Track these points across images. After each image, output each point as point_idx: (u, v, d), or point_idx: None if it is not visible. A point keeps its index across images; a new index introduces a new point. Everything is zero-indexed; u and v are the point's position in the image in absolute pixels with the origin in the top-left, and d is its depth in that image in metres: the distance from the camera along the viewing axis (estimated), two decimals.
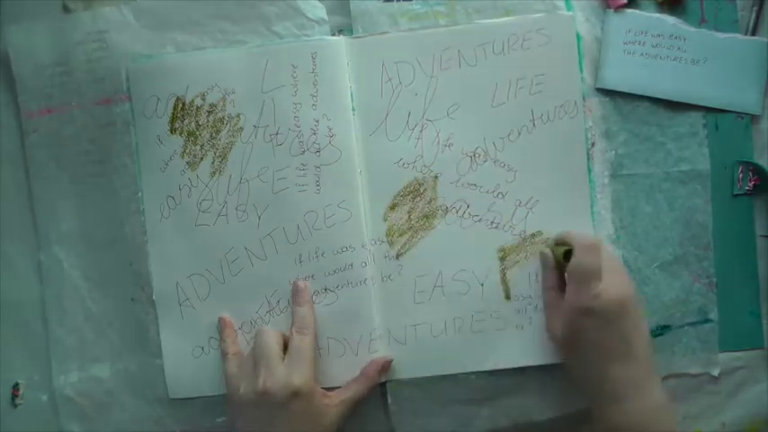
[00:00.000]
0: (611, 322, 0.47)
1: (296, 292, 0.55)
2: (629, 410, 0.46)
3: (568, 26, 0.55)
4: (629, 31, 0.56)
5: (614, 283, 0.47)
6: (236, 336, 0.56)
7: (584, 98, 0.55)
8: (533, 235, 0.55)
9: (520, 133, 0.55)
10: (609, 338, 0.47)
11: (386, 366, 0.55)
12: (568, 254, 0.50)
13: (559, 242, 0.53)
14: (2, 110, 0.60)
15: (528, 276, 0.55)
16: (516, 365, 0.55)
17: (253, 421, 0.50)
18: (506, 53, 0.55)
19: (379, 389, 0.56)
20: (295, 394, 0.49)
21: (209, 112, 0.56)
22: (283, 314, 0.56)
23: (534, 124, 0.55)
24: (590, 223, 0.55)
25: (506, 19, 0.55)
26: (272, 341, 0.51)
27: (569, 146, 0.55)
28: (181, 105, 0.56)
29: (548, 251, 0.53)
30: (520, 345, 0.55)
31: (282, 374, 0.49)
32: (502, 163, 0.55)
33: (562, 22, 0.55)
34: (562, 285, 0.51)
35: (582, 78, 0.55)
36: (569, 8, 0.55)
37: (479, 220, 0.55)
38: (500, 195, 0.55)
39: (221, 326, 0.56)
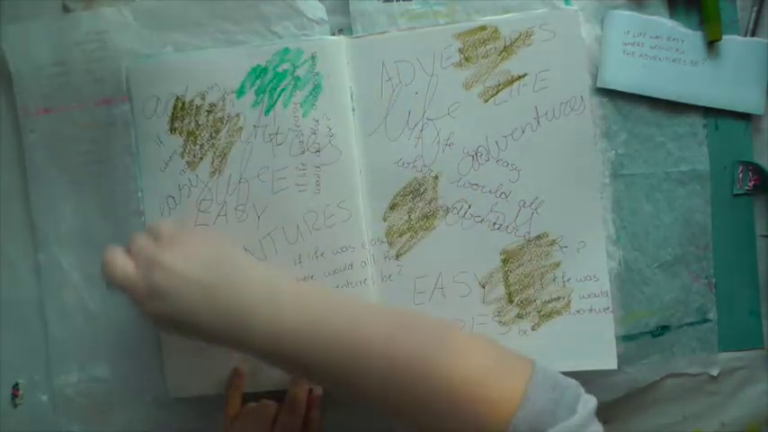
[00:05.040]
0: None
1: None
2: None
3: (574, 21, 0.50)
4: (628, 33, 0.52)
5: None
6: (242, 390, 0.52)
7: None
8: (538, 237, 0.51)
9: (524, 131, 0.50)
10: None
11: (319, 399, 0.52)
12: None
13: None
14: (0, 109, 0.56)
15: (532, 280, 0.51)
16: None
17: None
18: (509, 50, 0.50)
19: None
20: None
21: (209, 112, 0.52)
22: None
23: (539, 122, 0.50)
24: (600, 223, 0.51)
25: (509, 15, 0.51)
26: (269, 419, 0.50)
27: (576, 143, 0.50)
28: (180, 105, 0.52)
29: None
30: (521, 351, 0.50)
31: None
32: (505, 162, 0.51)
33: (567, 17, 0.50)
34: None
35: None
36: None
37: (481, 221, 0.51)
38: (503, 195, 0.51)
39: (233, 374, 0.52)
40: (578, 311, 0.50)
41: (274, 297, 0.41)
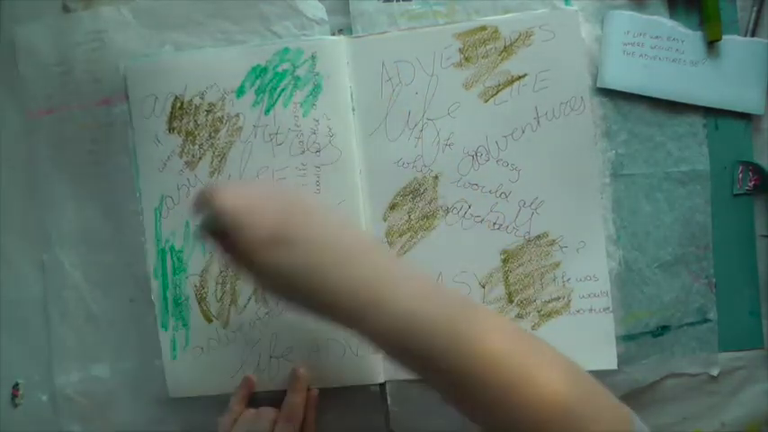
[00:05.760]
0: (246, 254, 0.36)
1: (292, 379, 0.51)
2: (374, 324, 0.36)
3: (574, 21, 0.50)
4: (628, 33, 0.52)
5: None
6: (247, 399, 0.52)
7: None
8: (538, 237, 0.51)
9: (524, 131, 0.50)
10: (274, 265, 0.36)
11: (316, 400, 0.51)
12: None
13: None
14: (4, 110, 0.56)
15: (532, 279, 0.51)
16: None
17: None
18: (509, 50, 0.50)
19: (379, 389, 0.53)
20: None
21: (208, 112, 0.52)
22: (282, 315, 0.52)
23: (539, 122, 0.50)
24: (600, 223, 0.51)
25: (509, 15, 0.51)
26: (267, 426, 0.49)
27: (576, 143, 0.50)
28: (179, 104, 0.52)
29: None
30: None
31: None
32: (505, 162, 0.51)
33: (567, 18, 0.50)
34: None
35: None
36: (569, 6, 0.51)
37: (481, 221, 0.51)
38: (503, 195, 0.51)
39: (242, 383, 0.52)
40: (578, 311, 0.50)
41: (410, 282, 0.37)
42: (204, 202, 0.37)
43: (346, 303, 0.36)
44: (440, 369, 0.35)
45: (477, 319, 0.36)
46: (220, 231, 0.36)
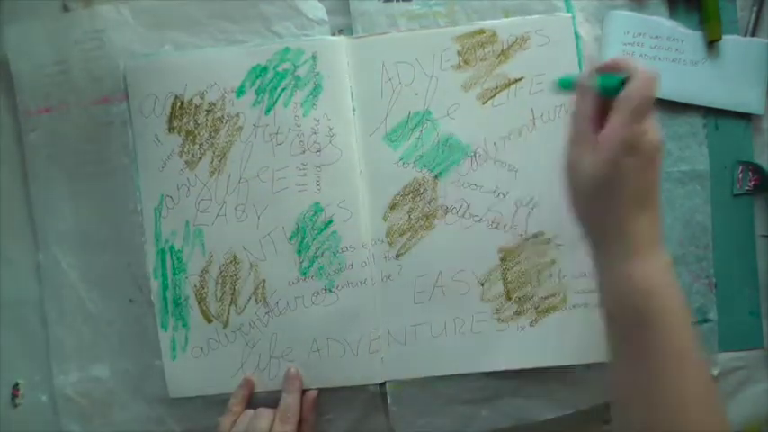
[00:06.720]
0: (651, 165, 0.39)
1: (286, 379, 0.52)
2: (644, 267, 0.39)
3: (567, 27, 0.52)
4: (628, 33, 0.53)
5: (655, 125, 0.39)
6: (247, 400, 0.52)
7: None
8: (535, 235, 0.51)
9: (521, 133, 0.51)
10: (645, 182, 0.39)
11: (315, 401, 0.52)
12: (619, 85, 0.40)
13: (603, 71, 0.42)
14: (1, 109, 0.57)
15: (529, 277, 0.51)
16: (516, 367, 0.51)
17: None
18: (506, 54, 0.52)
19: (379, 389, 0.53)
20: None
21: (208, 111, 0.53)
22: (282, 315, 0.52)
23: (535, 124, 0.51)
24: None
25: (506, 20, 0.52)
26: (265, 426, 0.49)
27: None
28: (179, 104, 0.53)
29: (591, 80, 0.41)
30: (520, 346, 0.51)
31: None
32: (502, 163, 0.52)
33: (561, 23, 0.52)
34: (598, 120, 0.41)
35: None
36: (568, 8, 0.52)
37: (480, 221, 0.52)
38: (501, 195, 0.52)
39: (241, 383, 0.53)
40: (574, 306, 0.51)
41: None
42: (610, 69, 0.41)
43: (601, 242, 0.41)
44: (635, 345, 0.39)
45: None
46: (639, 103, 0.38)
